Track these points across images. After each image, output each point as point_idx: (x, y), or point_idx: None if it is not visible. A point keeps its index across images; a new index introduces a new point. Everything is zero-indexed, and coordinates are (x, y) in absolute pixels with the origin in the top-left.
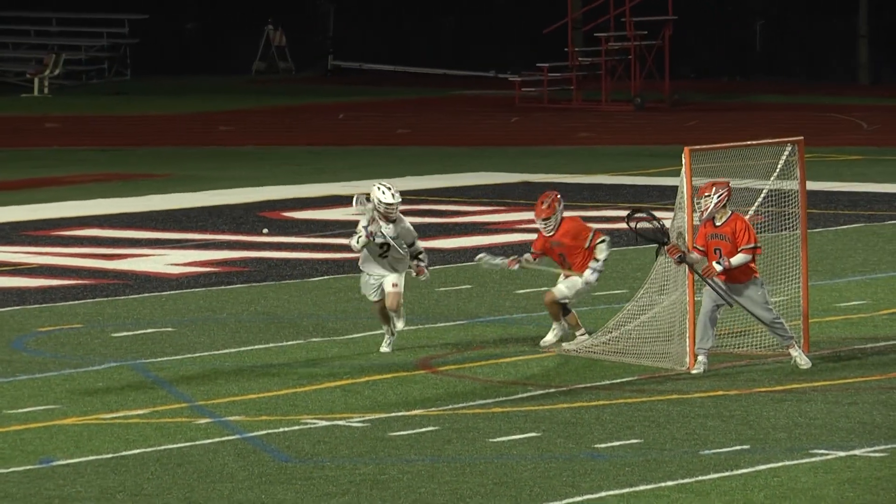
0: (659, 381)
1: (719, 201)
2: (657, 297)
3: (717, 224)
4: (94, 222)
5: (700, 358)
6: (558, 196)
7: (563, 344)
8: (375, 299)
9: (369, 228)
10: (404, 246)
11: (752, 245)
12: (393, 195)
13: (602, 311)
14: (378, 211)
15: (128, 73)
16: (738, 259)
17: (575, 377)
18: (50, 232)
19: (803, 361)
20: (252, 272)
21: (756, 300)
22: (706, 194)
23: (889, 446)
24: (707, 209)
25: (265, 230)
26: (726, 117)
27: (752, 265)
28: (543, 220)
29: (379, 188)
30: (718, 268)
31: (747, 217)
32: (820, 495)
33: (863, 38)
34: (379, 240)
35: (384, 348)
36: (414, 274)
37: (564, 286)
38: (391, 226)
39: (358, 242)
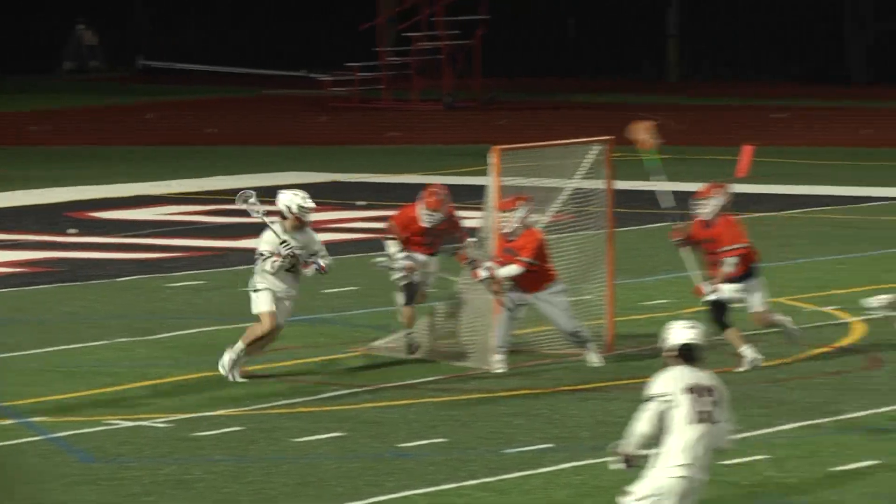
0: (464, 380)
1: (524, 216)
2: (464, 297)
3: (510, 239)
4: None
5: (498, 357)
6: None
7: (373, 343)
8: (281, 321)
9: (284, 249)
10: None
11: (526, 259)
12: (308, 199)
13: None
14: (291, 216)
15: None
16: (506, 270)
17: (380, 377)
18: None
19: (595, 360)
20: (59, 272)
21: (558, 307)
22: (511, 209)
23: None
24: (510, 223)
25: (72, 230)
26: (537, 116)
27: (552, 271)
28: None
29: (296, 194)
30: (482, 274)
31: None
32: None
33: (673, 37)
34: (286, 251)
35: (234, 377)
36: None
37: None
38: (298, 235)
39: (273, 267)
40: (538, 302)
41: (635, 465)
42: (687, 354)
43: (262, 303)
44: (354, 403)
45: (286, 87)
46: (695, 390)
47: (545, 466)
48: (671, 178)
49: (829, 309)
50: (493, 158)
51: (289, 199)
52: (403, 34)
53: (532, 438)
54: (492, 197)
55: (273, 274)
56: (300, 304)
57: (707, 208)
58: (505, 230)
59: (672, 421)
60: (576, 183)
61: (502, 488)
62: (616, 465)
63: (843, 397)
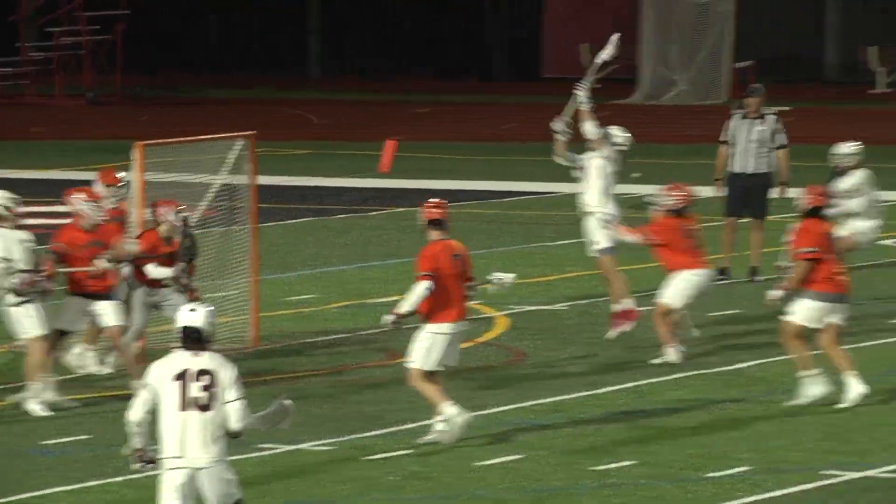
0: (109, 378)
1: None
2: None
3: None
4: None
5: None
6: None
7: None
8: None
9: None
10: None
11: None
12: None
13: None
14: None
15: None
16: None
17: (23, 375)
18: None
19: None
20: None
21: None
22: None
23: (336, 439)
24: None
25: None
26: (181, 111)
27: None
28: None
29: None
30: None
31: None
32: (267, 489)
33: (313, 32)
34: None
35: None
36: None
37: None
38: None
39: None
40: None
41: (151, 460)
42: (187, 338)
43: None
44: None
45: None
46: (185, 376)
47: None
48: (311, 174)
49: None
50: (135, 154)
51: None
52: (45, 29)
53: None
54: (136, 193)
55: None
56: None
57: None
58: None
59: (162, 409)
60: (221, 179)
61: (147, 484)
62: (135, 464)
63: (486, 392)
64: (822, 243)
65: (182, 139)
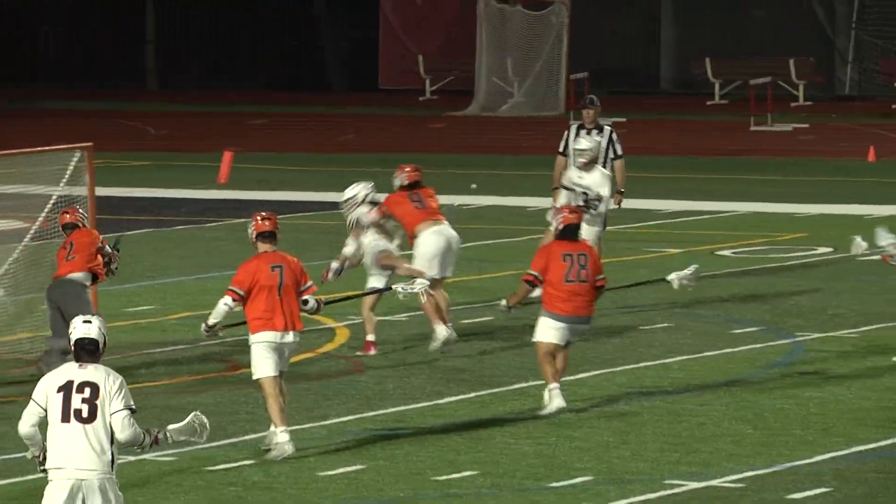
0: None
1: None
2: None
3: None
4: None
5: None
6: None
7: None
8: None
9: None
10: None
11: None
12: None
13: None
14: None
15: None
16: None
17: None
18: None
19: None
20: None
21: None
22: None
23: (178, 451)
24: None
25: None
26: (14, 124)
27: None
28: None
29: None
30: None
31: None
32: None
33: (150, 42)
34: None
35: None
36: None
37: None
38: None
39: None
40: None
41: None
42: (81, 350)
43: None
44: None
45: None
46: (67, 388)
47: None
48: (149, 185)
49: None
50: None
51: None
52: None
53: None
54: None
55: None
56: None
57: None
58: None
59: (49, 421)
60: (59, 190)
61: None
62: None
63: (328, 402)
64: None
65: (18, 151)
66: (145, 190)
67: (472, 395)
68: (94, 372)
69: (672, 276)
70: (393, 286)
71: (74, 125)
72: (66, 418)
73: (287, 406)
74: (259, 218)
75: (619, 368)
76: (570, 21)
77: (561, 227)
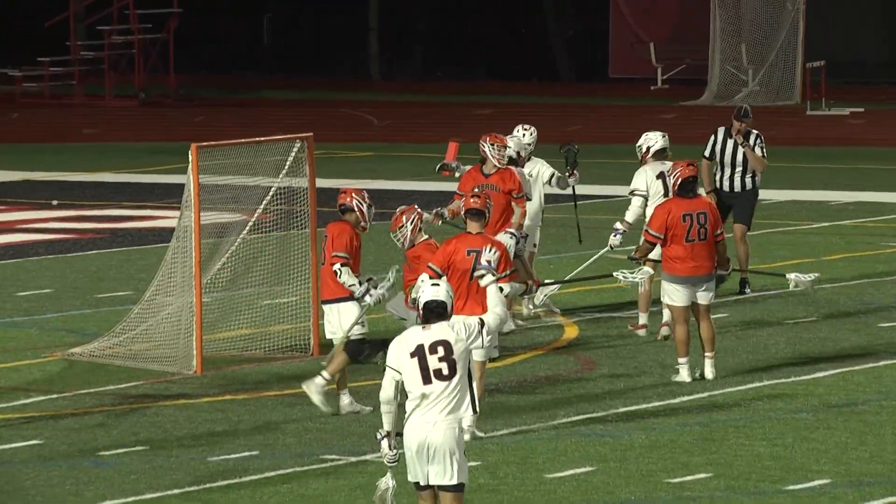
0: (165, 385)
1: (413, 227)
2: (164, 299)
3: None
4: None
5: None
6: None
7: (72, 349)
8: None
9: None
10: None
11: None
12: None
13: (106, 313)
14: None
15: None
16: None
17: (79, 382)
18: None
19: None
20: None
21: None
22: (399, 226)
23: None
24: (405, 238)
25: None
26: (236, 113)
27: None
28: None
29: None
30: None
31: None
32: (330, 501)
33: (373, 30)
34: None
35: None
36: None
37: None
38: None
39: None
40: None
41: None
42: (425, 313)
43: None
44: (51, 410)
45: None
46: (420, 351)
47: (251, 475)
48: (373, 176)
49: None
50: (191, 156)
51: None
52: (96, 27)
53: (236, 446)
54: (191, 195)
55: None
56: None
57: None
58: (406, 245)
59: (406, 384)
60: (279, 181)
61: (208, 498)
62: (385, 456)
63: (556, 401)
64: None
65: (238, 141)
66: (369, 182)
67: (705, 394)
68: (441, 330)
69: (791, 276)
70: (615, 273)
71: (297, 115)
72: (426, 379)
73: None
74: (470, 196)
75: (857, 367)
76: (806, 7)
77: (680, 181)
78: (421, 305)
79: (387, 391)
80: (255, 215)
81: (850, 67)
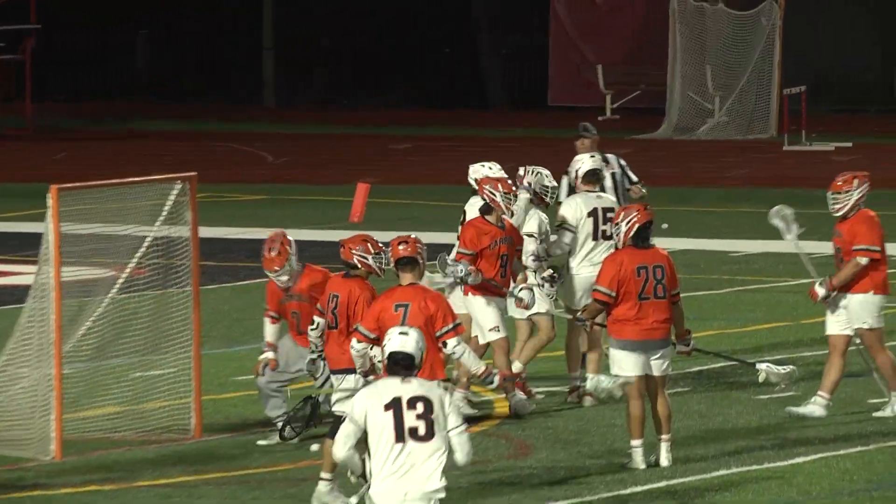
0: (19, 473)
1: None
2: (17, 370)
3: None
4: None
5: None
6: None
7: None
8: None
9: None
10: None
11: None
12: None
13: None
14: None
15: None
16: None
17: None
18: None
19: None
20: None
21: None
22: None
23: None
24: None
25: None
26: (105, 148)
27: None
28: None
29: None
30: None
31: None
32: None
33: (267, 49)
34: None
35: None
36: None
37: None
38: None
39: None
40: None
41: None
42: (395, 364)
43: None
44: None
45: None
46: (397, 404)
47: None
48: (267, 223)
49: None
50: (50, 200)
51: None
52: None
53: None
54: (50, 247)
55: None
56: None
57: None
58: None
59: (372, 441)
60: (156, 230)
61: None
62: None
63: (483, 491)
64: None
65: (107, 182)
66: (261, 230)
67: (662, 484)
68: (420, 386)
69: (762, 366)
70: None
71: (179, 150)
72: (398, 437)
73: None
74: (397, 242)
75: (842, 452)
76: (783, 23)
77: (634, 228)
78: (386, 356)
79: (340, 449)
80: (127, 270)
81: (836, 93)
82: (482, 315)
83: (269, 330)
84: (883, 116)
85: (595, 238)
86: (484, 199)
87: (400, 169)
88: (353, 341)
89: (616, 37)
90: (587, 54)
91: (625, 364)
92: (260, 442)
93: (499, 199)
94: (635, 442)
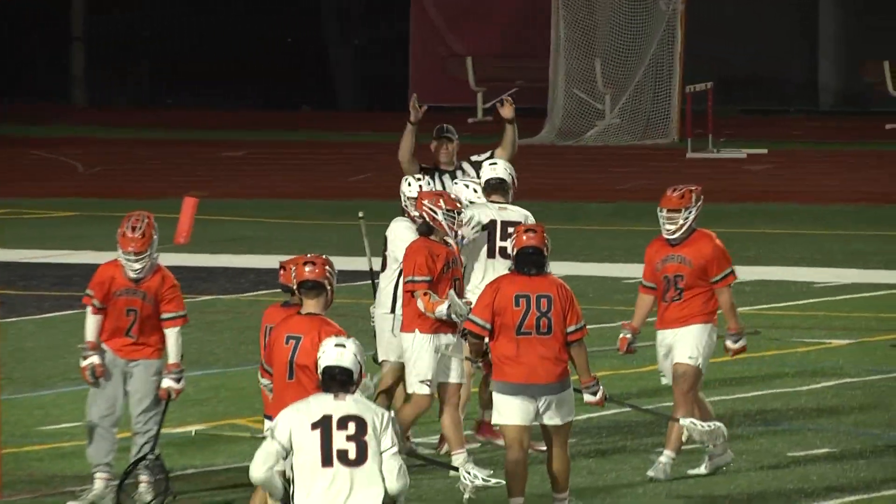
0: None
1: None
2: None
3: None
4: None
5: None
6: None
7: None
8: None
9: None
10: None
11: None
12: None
13: None
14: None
15: None
16: None
17: None
18: None
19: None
20: None
21: None
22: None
23: None
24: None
25: None
26: None
27: None
28: None
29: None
30: None
31: None
32: None
33: (77, 39)
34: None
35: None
36: None
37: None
38: None
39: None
40: None
41: None
42: (330, 380)
43: None
44: None
45: None
46: (326, 423)
47: None
48: (76, 245)
49: None
50: None
51: None
52: None
53: None
54: None
55: None
56: None
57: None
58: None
59: (296, 464)
60: None
61: None
62: None
63: None
64: None
65: None
66: (71, 254)
67: None
68: (355, 405)
69: (686, 422)
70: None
71: None
72: (325, 460)
73: None
74: (302, 262)
75: None
76: (686, 8)
77: (517, 250)
78: (321, 371)
79: (259, 469)
80: None
81: (748, 91)
82: (420, 361)
83: (92, 324)
84: (804, 118)
85: (491, 256)
86: (418, 220)
87: (233, 180)
88: (258, 375)
89: (488, 24)
90: (455, 45)
91: (504, 410)
92: (70, 503)
93: (440, 217)
94: (514, 501)
